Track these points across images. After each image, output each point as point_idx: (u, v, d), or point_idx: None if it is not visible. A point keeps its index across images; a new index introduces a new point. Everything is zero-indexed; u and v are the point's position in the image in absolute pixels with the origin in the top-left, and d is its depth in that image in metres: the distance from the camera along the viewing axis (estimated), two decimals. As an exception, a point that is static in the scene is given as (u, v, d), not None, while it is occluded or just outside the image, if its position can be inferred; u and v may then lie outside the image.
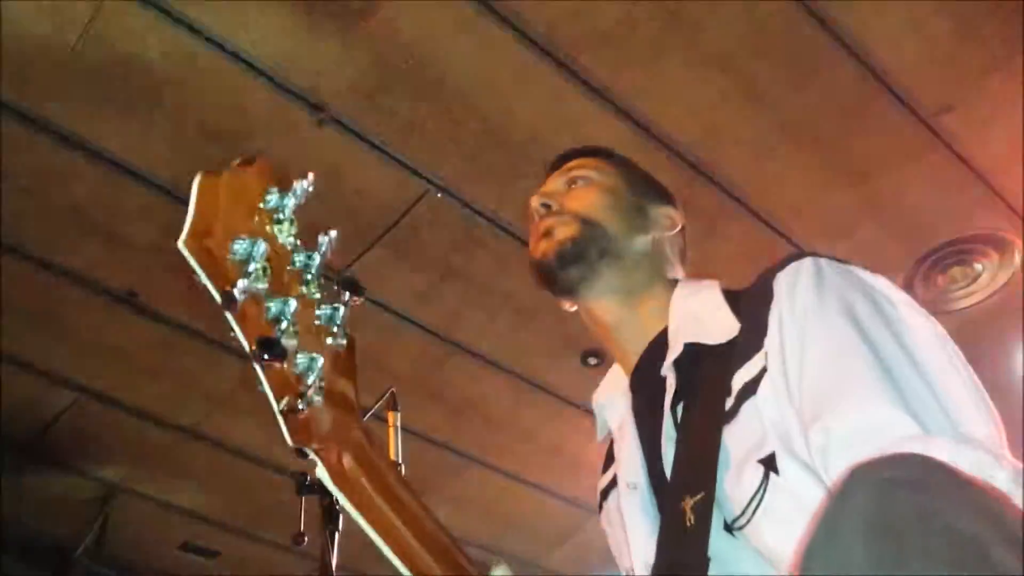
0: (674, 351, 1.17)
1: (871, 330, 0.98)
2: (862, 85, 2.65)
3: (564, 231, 1.28)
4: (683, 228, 1.39)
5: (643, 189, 1.39)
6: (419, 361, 3.47)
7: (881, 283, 1.07)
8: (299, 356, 0.71)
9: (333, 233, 0.73)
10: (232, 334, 0.71)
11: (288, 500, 2.03)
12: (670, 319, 1.23)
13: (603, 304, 1.29)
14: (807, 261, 1.08)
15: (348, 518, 1.70)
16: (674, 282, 1.31)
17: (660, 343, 1.23)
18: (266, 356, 0.68)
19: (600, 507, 1.36)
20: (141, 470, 3.89)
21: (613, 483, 1.30)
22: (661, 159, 2.78)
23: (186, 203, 2.64)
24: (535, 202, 1.34)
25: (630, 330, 1.28)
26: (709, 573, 0.98)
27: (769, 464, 1.00)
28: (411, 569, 0.79)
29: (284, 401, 0.71)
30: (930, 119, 2.76)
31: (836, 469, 0.88)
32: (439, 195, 2.88)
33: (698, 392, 1.13)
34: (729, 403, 1.07)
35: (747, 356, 1.07)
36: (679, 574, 1.02)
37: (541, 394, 3.71)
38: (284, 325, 0.69)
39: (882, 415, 0.89)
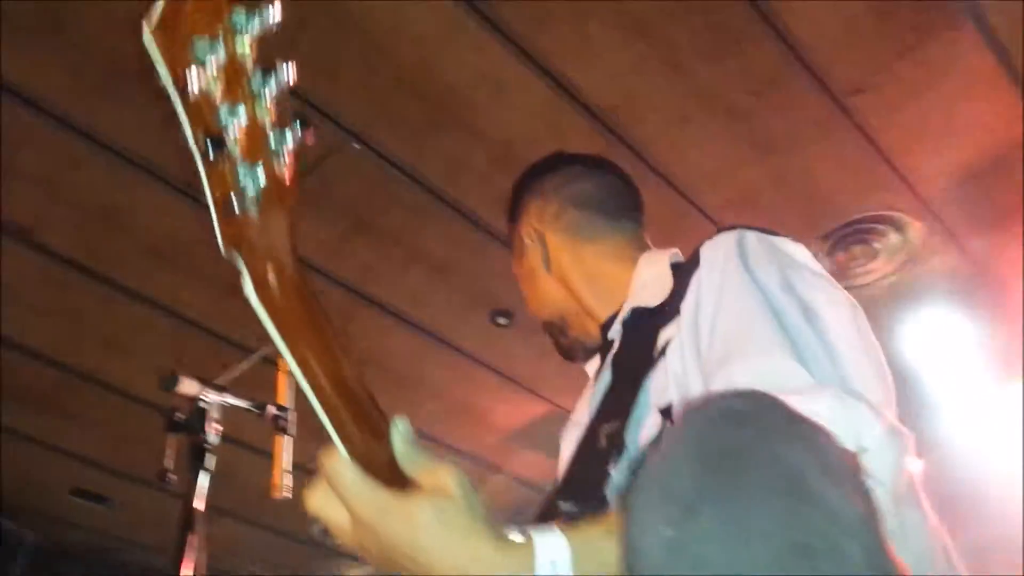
0: (622, 315, 1.33)
1: (780, 299, 1.06)
2: (779, 60, 2.68)
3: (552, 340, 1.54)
4: (547, 207, 1.52)
5: (518, 239, 1.55)
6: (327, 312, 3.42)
7: (800, 254, 1.16)
8: (241, 167, 0.74)
9: (292, 64, 0.75)
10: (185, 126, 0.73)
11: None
12: (630, 288, 1.38)
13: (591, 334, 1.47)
14: (733, 233, 1.18)
15: (216, 459, 1.67)
16: (627, 257, 1.45)
17: (618, 311, 1.37)
18: (208, 152, 0.71)
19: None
20: (30, 412, 3.75)
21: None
22: (578, 121, 2.78)
23: (90, 138, 2.51)
24: None
25: (607, 310, 1.42)
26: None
27: (666, 413, 1.09)
28: (322, 402, 0.81)
29: (222, 203, 0.74)
30: (842, 98, 2.81)
31: None
32: (356, 146, 2.81)
33: (634, 346, 1.25)
34: (654, 355, 1.17)
35: (671, 316, 1.17)
36: (581, 487, 1.12)
37: (449, 351, 3.71)
38: (231, 129, 0.72)
39: (782, 366, 0.97)
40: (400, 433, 0.85)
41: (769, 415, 0.74)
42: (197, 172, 0.74)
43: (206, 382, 1.64)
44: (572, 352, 1.51)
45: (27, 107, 2.61)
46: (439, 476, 0.84)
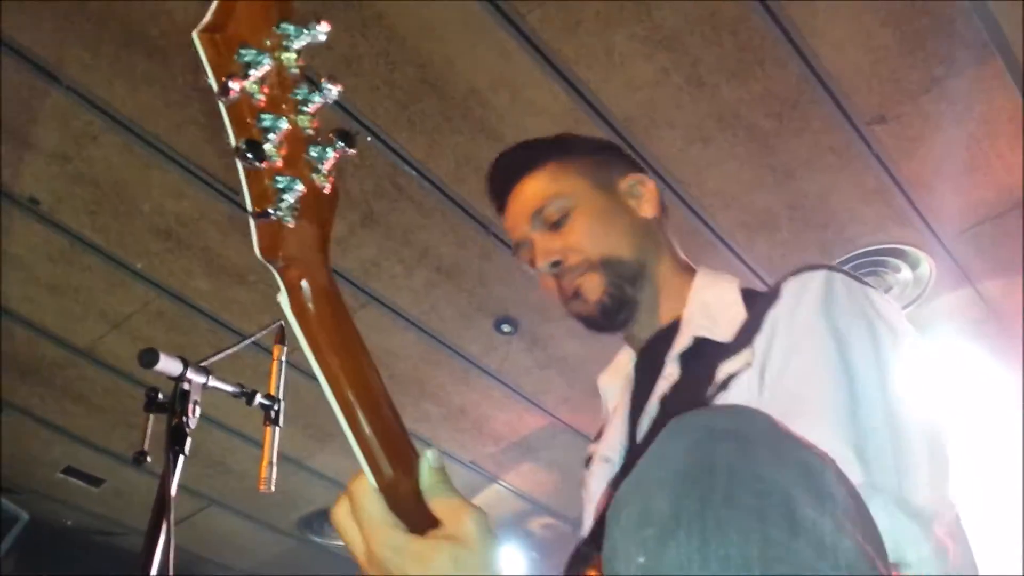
0: (682, 343, 1.20)
1: (859, 366, 0.98)
2: (802, 84, 2.66)
3: (594, 288, 1.30)
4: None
5: (603, 174, 1.39)
6: (330, 307, 3.40)
7: (891, 314, 1.06)
8: (280, 176, 0.74)
9: (339, 87, 0.76)
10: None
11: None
12: (685, 308, 1.26)
13: (638, 320, 1.33)
14: (821, 273, 1.08)
15: (197, 440, 1.65)
16: (687, 267, 1.35)
17: (670, 330, 1.26)
18: (248, 156, 0.71)
19: (585, 469, 1.41)
20: (29, 387, 3.74)
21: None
22: (594, 131, 2.76)
23: (106, 115, 2.48)
24: (541, 265, 1.34)
25: (645, 318, 1.32)
26: None
27: None
28: (350, 422, 0.79)
29: (258, 208, 0.74)
30: (863, 127, 2.79)
31: None
32: (368, 138, 2.80)
33: (688, 379, 1.16)
34: (710, 392, 1.08)
35: (737, 350, 1.09)
36: None
37: (451, 356, 3.68)
38: (272, 138, 0.73)
39: (835, 453, 0.88)
40: (429, 465, 0.81)
41: (759, 434, 0.68)
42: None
43: (188, 362, 1.62)
44: (614, 312, 1.31)
45: (45, 78, 2.60)
46: (461, 519, 0.79)
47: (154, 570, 1.47)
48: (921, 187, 2.99)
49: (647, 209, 1.37)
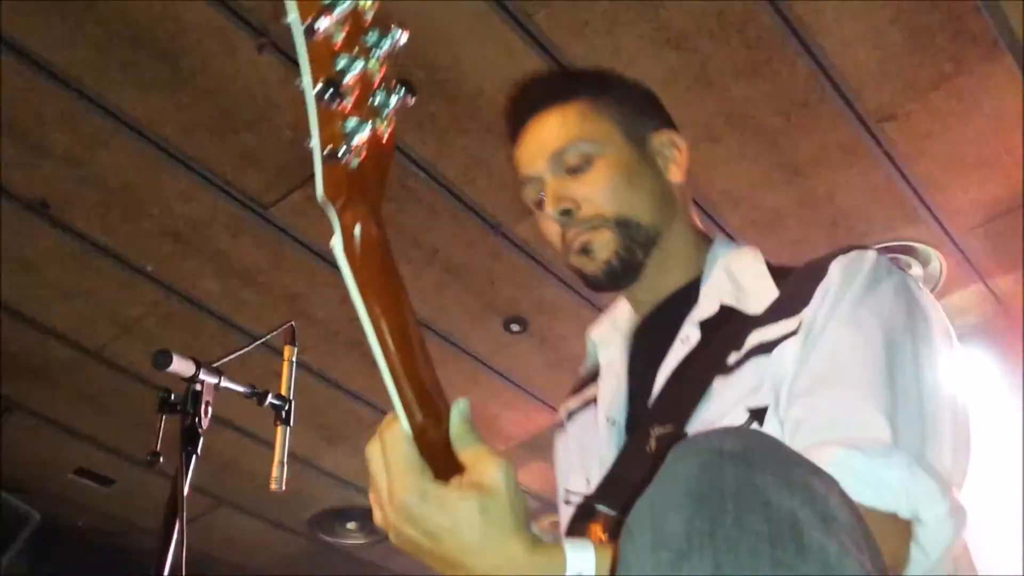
0: (706, 309, 1.19)
1: (896, 342, 1.02)
2: (811, 83, 2.65)
3: (604, 246, 1.23)
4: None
5: (636, 125, 1.31)
6: (340, 309, 3.41)
7: (926, 302, 1.11)
8: (350, 118, 0.76)
9: (407, 32, 0.78)
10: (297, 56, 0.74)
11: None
12: (706, 275, 1.23)
13: (642, 281, 1.28)
14: (871, 254, 1.11)
15: (207, 440, 1.66)
16: (703, 235, 1.31)
17: (683, 295, 1.24)
18: (326, 97, 0.72)
19: (561, 424, 1.42)
20: (40, 388, 3.76)
21: (581, 409, 1.35)
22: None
23: (109, 113, 2.50)
24: (550, 211, 1.26)
25: (650, 282, 1.27)
26: None
27: (757, 415, 1.03)
28: (389, 366, 0.80)
29: (328, 148, 0.75)
30: (872, 125, 2.78)
31: (798, 444, 0.91)
32: (376, 140, 2.80)
33: (707, 346, 1.15)
34: (734, 358, 1.09)
35: (774, 320, 1.09)
36: (622, 491, 1.06)
37: (460, 355, 3.68)
38: (347, 79, 0.74)
39: (866, 416, 0.94)
40: (460, 412, 0.83)
41: (766, 457, 0.71)
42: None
43: (201, 363, 1.63)
44: (619, 274, 1.25)
45: (53, 82, 2.61)
46: (488, 468, 0.81)
47: (167, 570, 1.48)
48: (931, 184, 2.98)
49: (676, 173, 1.30)
